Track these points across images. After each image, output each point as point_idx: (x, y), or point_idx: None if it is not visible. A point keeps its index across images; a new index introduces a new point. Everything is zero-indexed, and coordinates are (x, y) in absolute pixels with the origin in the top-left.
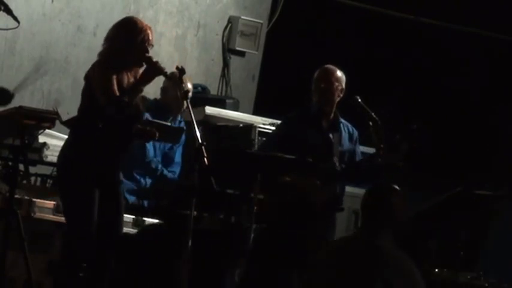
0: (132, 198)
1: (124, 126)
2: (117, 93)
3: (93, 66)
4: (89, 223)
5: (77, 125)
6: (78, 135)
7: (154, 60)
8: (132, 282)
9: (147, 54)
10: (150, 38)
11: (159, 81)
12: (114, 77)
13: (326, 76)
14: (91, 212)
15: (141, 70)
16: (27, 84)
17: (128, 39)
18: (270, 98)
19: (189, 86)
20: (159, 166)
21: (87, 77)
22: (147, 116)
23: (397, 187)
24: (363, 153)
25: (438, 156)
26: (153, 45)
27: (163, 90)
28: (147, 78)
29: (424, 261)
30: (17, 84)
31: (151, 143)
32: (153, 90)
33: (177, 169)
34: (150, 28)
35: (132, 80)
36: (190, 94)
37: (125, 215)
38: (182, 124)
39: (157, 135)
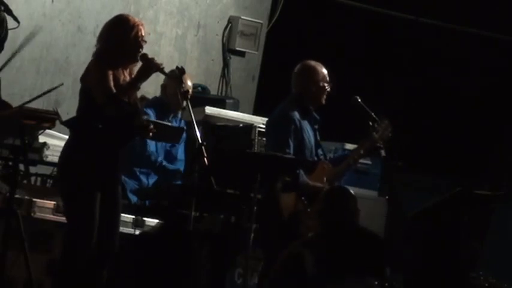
0: (134, 198)
1: (123, 125)
2: (114, 90)
3: (89, 65)
4: (90, 224)
5: (76, 126)
6: (78, 135)
7: (150, 57)
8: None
9: (142, 51)
10: (143, 33)
11: (159, 79)
12: (110, 73)
13: (327, 76)
14: (93, 213)
15: (136, 67)
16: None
17: (120, 37)
18: (270, 98)
19: (189, 83)
20: (159, 158)
21: (83, 79)
22: (150, 112)
23: (349, 190)
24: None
25: (438, 156)
26: (146, 42)
27: (163, 87)
28: (143, 75)
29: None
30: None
31: None
32: (152, 89)
33: (181, 166)
34: (142, 24)
35: (128, 77)
36: (190, 91)
37: (125, 215)
38: (182, 123)
39: (154, 131)
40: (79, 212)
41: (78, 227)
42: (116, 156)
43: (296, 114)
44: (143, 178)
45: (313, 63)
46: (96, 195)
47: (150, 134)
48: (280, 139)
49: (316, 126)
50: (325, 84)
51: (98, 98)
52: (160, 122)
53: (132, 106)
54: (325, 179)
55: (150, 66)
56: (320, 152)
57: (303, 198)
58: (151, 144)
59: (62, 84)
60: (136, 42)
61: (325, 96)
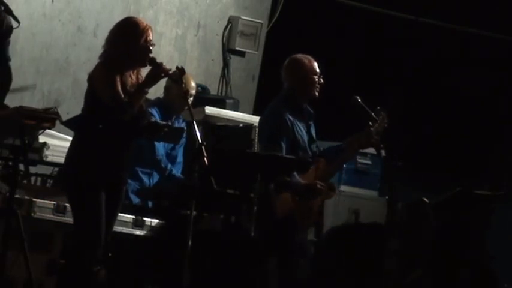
0: (136, 199)
1: (127, 127)
2: (122, 95)
3: (96, 68)
4: (97, 225)
5: (81, 127)
6: (82, 137)
7: (158, 62)
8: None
9: (151, 55)
10: (152, 37)
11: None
12: (118, 78)
13: (317, 69)
14: (99, 213)
15: (143, 70)
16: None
17: (130, 42)
18: (270, 98)
19: (193, 84)
20: (169, 166)
21: (90, 79)
22: (154, 112)
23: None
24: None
25: (438, 155)
26: (154, 45)
27: (167, 89)
28: (152, 80)
29: None
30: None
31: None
32: (153, 90)
33: (179, 169)
34: (150, 28)
35: (135, 80)
36: (194, 92)
37: (125, 215)
38: (183, 124)
39: (165, 129)
40: (85, 212)
41: (84, 228)
42: (120, 157)
43: (287, 113)
44: (145, 178)
45: (300, 56)
46: (102, 196)
47: (161, 131)
48: (272, 141)
49: (310, 122)
50: (314, 76)
51: (105, 101)
52: (161, 122)
53: (137, 110)
54: (319, 176)
55: (159, 72)
56: (314, 147)
57: (297, 198)
58: (160, 148)
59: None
60: (146, 47)
61: (317, 89)
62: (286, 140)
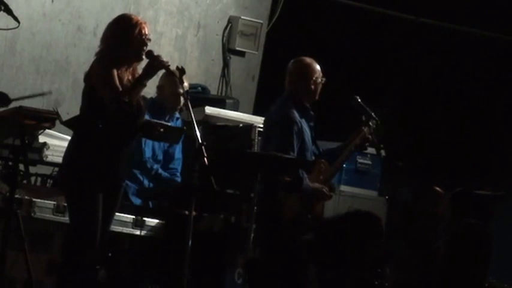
0: (137, 201)
1: (126, 124)
2: (120, 88)
3: (92, 65)
4: (93, 224)
5: (79, 126)
6: (81, 135)
7: (155, 54)
8: None
9: (147, 49)
10: (147, 32)
11: (158, 80)
12: (115, 72)
13: (320, 71)
14: (96, 213)
15: (139, 66)
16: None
17: (123, 35)
18: (270, 98)
19: (185, 83)
20: (154, 166)
21: (87, 77)
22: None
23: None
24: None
25: (438, 156)
26: (150, 40)
27: (160, 88)
28: (149, 72)
29: None
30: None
31: (149, 142)
32: (152, 90)
33: (178, 165)
34: (145, 22)
35: (130, 77)
36: (186, 86)
37: (125, 215)
38: (179, 121)
39: (161, 130)
40: (82, 212)
41: (80, 227)
42: (117, 156)
43: (296, 115)
44: (144, 179)
45: (308, 60)
46: (99, 196)
47: (157, 131)
48: (284, 142)
49: (311, 124)
50: (319, 81)
51: (105, 97)
52: (160, 122)
53: (135, 106)
54: (321, 177)
55: (156, 64)
56: (314, 148)
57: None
58: (148, 150)
59: (51, 92)
60: (140, 40)
61: (318, 91)
62: (297, 142)
